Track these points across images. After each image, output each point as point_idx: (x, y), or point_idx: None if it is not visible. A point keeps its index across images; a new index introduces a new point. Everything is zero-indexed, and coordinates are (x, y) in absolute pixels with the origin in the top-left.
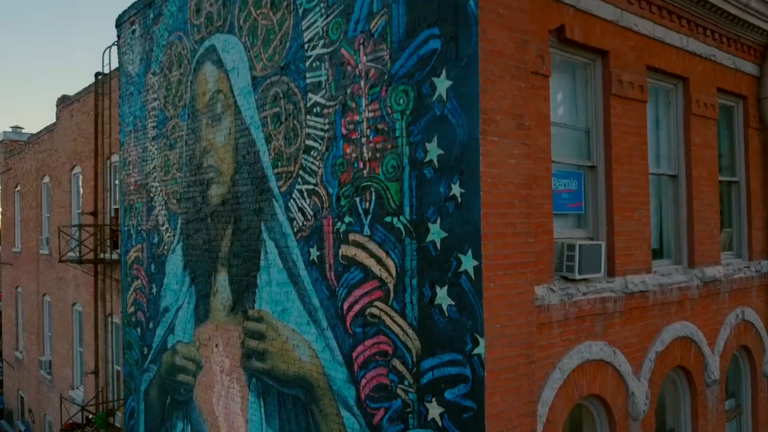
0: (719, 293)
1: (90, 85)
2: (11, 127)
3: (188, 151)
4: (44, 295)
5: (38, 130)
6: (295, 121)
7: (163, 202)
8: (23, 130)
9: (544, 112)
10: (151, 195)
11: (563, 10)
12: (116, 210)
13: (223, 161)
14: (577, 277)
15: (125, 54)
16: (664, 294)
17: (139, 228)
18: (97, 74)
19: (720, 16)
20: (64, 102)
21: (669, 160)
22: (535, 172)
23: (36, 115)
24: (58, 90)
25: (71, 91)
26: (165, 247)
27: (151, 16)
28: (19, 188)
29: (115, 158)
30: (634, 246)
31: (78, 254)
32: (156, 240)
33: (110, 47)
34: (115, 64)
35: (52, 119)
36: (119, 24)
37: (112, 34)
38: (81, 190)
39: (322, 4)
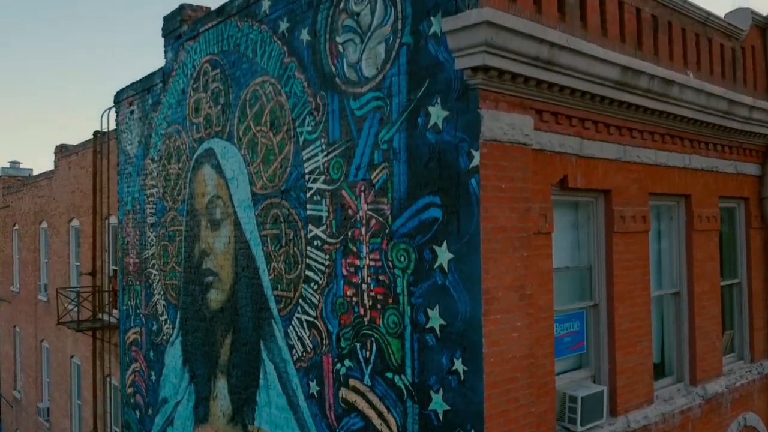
0: (721, 406)
1: (88, 141)
2: (10, 163)
3: (187, 248)
4: (42, 340)
5: (37, 170)
6: (295, 249)
7: (162, 291)
8: (21, 165)
9: (547, 269)
10: (150, 281)
11: (566, 161)
12: (115, 271)
13: (223, 268)
14: (579, 429)
15: (123, 132)
16: (666, 422)
17: (138, 311)
18: (95, 133)
19: (723, 131)
20: (62, 152)
21: (671, 276)
22: (537, 334)
23: (35, 150)
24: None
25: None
26: (164, 338)
27: (150, 102)
28: (17, 227)
29: (113, 219)
30: (636, 380)
31: (77, 314)
32: (155, 328)
33: (108, 110)
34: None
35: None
36: (117, 101)
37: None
38: (79, 246)
39: (322, 140)
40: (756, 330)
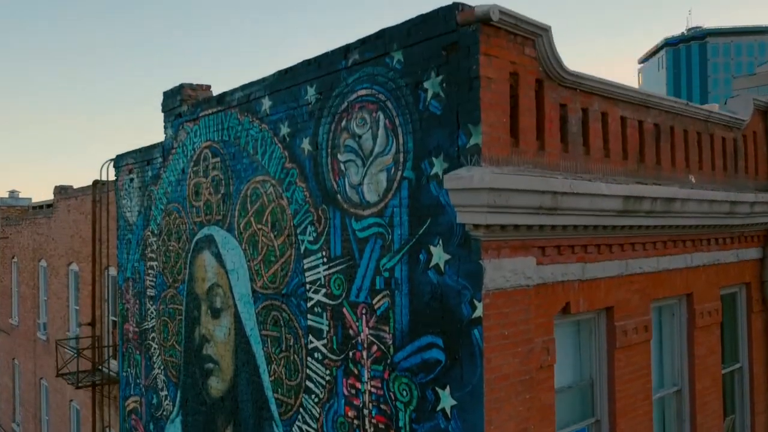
0: None
1: (87, 187)
2: (8, 192)
3: (188, 329)
4: (41, 378)
5: (36, 198)
6: (295, 356)
7: (162, 366)
8: (20, 195)
9: (549, 402)
10: (150, 353)
11: (568, 289)
12: (114, 321)
13: (223, 358)
14: None
15: (123, 199)
16: None
17: (138, 380)
18: (95, 182)
19: (725, 227)
20: (61, 194)
21: (672, 373)
22: None
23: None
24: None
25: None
26: (164, 413)
27: (150, 174)
28: (16, 260)
29: (113, 271)
30: None
31: (77, 364)
32: (155, 401)
33: (108, 163)
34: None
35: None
36: (117, 166)
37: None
38: (78, 290)
39: (324, 253)
40: (757, 414)
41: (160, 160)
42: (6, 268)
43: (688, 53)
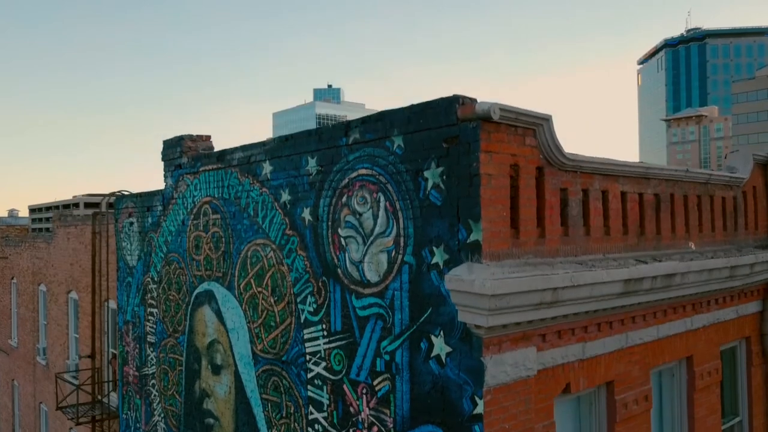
0: None
1: (87, 217)
2: (8, 211)
3: (188, 381)
4: (41, 402)
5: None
6: (296, 425)
7: (162, 414)
8: (19, 214)
9: None
10: (150, 400)
11: (568, 370)
12: (114, 354)
13: (224, 415)
14: None
15: (123, 242)
16: None
17: (138, 425)
18: (95, 214)
19: (725, 289)
20: (60, 220)
21: None
22: None
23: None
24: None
25: None
26: None
27: (150, 220)
28: (15, 281)
29: (112, 304)
30: None
31: (76, 396)
32: None
33: (107, 198)
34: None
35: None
36: (117, 208)
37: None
38: (78, 318)
39: (324, 326)
40: None
41: (160, 208)
42: (5, 288)
43: (687, 54)
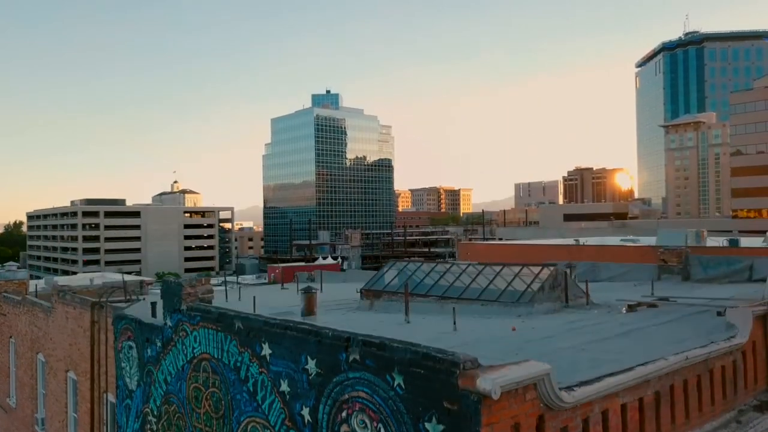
0: None
1: (86, 304)
2: (4, 266)
3: None
4: None
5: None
6: None
7: None
8: (17, 268)
9: None
10: None
11: None
12: None
13: None
14: None
15: (123, 362)
16: None
17: None
18: (93, 304)
19: None
20: (59, 297)
21: None
22: None
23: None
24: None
25: None
26: None
27: (149, 352)
28: (14, 340)
29: (111, 397)
30: None
31: None
32: None
33: (108, 292)
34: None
35: None
36: (117, 327)
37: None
38: (77, 400)
39: None
40: None
41: (159, 345)
42: (3, 346)
43: (685, 58)
